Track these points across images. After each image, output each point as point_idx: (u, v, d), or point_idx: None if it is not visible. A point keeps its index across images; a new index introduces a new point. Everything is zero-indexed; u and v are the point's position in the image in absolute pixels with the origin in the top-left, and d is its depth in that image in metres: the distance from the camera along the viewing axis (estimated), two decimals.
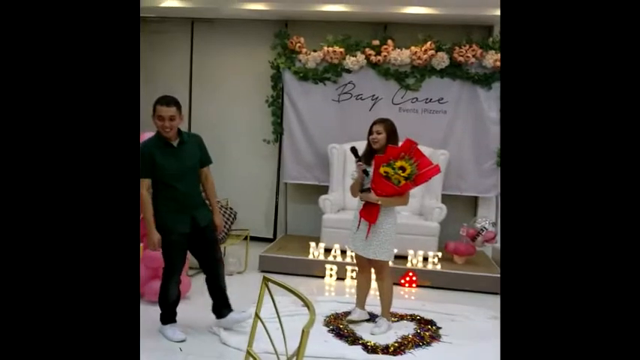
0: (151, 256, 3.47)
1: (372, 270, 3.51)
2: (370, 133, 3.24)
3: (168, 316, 3.16)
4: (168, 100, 2.92)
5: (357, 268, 4.38)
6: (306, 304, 1.43)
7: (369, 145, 3.27)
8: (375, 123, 3.26)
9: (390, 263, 3.43)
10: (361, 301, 3.52)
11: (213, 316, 3.27)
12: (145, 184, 2.94)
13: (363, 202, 3.25)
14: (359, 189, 3.26)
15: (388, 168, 3.08)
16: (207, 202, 3.20)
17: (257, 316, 1.72)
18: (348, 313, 3.63)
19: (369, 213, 3.21)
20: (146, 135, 3.54)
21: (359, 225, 3.29)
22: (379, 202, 3.16)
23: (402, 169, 3.07)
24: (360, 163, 3.22)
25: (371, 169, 3.17)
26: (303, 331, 1.28)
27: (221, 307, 3.24)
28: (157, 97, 2.96)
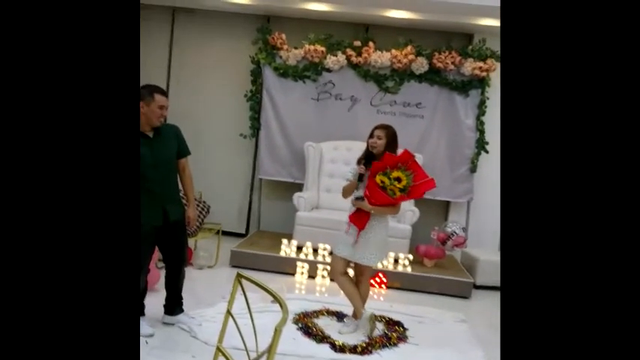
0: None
1: (351, 271, 3.50)
2: (371, 136, 3.23)
3: None
4: (164, 90, 2.98)
5: (328, 268, 4.43)
6: (280, 302, 1.44)
7: (367, 147, 3.25)
8: (376, 127, 3.23)
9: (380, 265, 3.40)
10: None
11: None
12: None
13: (353, 206, 3.23)
14: (351, 192, 3.26)
15: (384, 177, 3.05)
16: (182, 195, 3.17)
17: (229, 312, 1.71)
18: (317, 312, 3.64)
19: (359, 219, 3.18)
20: None
21: (348, 229, 3.25)
22: (372, 211, 3.16)
23: (398, 179, 3.05)
24: (362, 166, 3.18)
25: (366, 175, 3.16)
26: (275, 329, 1.28)
27: (174, 304, 3.23)
28: (148, 85, 2.95)
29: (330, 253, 4.41)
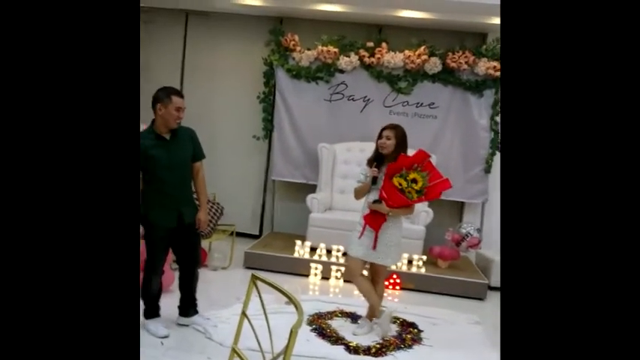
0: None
1: (365, 272, 3.49)
2: (379, 137, 3.21)
3: (151, 311, 3.14)
4: (181, 92, 3.02)
5: (342, 269, 4.43)
6: (295, 304, 1.44)
7: (377, 148, 3.24)
8: (385, 128, 3.21)
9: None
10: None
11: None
12: None
13: (368, 209, 3.21)
14: (364, 194, 3.25)
15: (401, 179, 3.04)
16: (195, 197, 3.19)
17: (244, 314, 1.71)
18: (331, 313, 3.64)
19: (375, 221, 3.17)
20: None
21: (363, 231, 3.23)
22: (389, 214, 3.16)
23: (414, 181, 3.03)
24: (375, 169, 3.17)
25: (381, 176, 3.15)
26: (291, 331, 1.28)
27: (188, 306, 3.26)
28: (165, 88, 2.99)
29: (344, 254, 4.41)
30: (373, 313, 3.38)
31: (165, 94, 2.92)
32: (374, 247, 3.19)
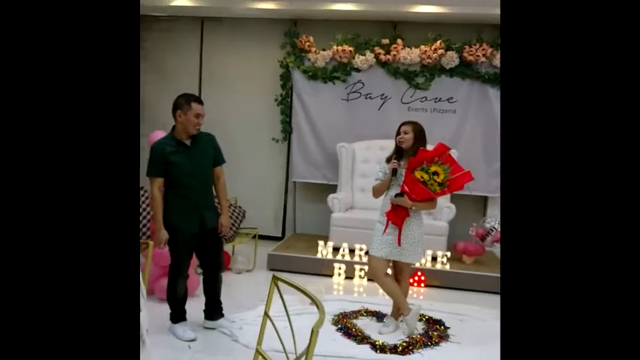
0: (161, 255, 3.50)
1: (390, 271, 3.47)
2: (398, 133, 3.22)
3: (177, 315, 3.18)
4: (200, 99, 3.04)
5: (366, 268, 4.41)
6: (316, 303, 1.44)
7: (396, 146, 3.24)
8: (403, 124, 3.23)
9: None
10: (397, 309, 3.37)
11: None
12: (157, 183, 2.98)
13: (390, 205, 3.19)
14: (383, 191, 3.24)
15: (423, 173, 3.03)
16: (216, 202, 3.22)
17: (266, 314, 1.72)
18: (356, 313, 3.63)
19: (398, 216, 3.15)
20: (157, 134, 3.56)
21: (386, 228, 3.21)
22: (413, 207, 3.14)
23: (436, 174, 3.03)
24: (395, 161, 3.17)
25: (401, 171, 3.14)
26: (312, 330, 1.28)
27: (214, 310, 3.28)
28: (185, 95, 3.02)
29: (366, 253, 4.39)
30: (399, 312, 3.36)
31: (184, 101, 2.96)
32: (399, 244, 3.17)
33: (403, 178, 3.11)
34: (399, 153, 3.22)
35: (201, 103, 3.01)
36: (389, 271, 3.47)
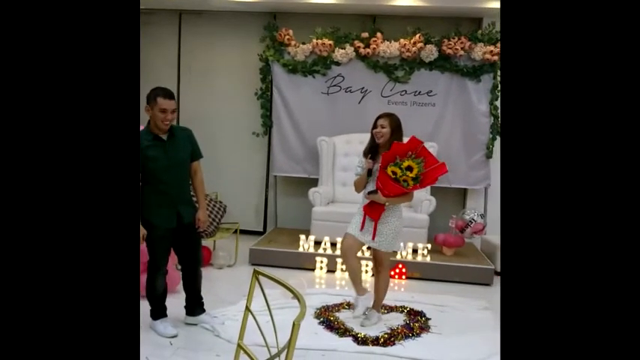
0: (140, 251, 3.46)
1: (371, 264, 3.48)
2: (374, 126, 3.20)
3: (158, 311, 3.15)
4: (169, 93, 2.93)
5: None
6: (297, 296, 1.44)
7: (372, 138, 3.24)
8: (380, 117, 3.21)
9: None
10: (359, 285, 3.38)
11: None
12: None
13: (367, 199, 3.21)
14: (364, 185, 3.24)
15: (396, 168, 3.02)
16: (193, 197, 3.19)
17: (248, 309, 1.72)
18: (338, 306, 3.64)
19: (374, 211, 3.17)
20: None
21: (364, 221, 3.22)
22: (387, 203, 3.15)
23: (409, 168, 3.01)
24: (370, 161, 3.16)
25: (376, 167, 3.14)
26: (294, 324, 1.28)
27: (195, 305, 3.26)
28: (155, 89, 2.94)
29: None
30: (380, 303, 3.39)
31: (152, 96, 2.90)
32: (373, 238, 3.19)
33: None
34: (374, 148, 3.21)
35: (169, 97, 2.90)
36: (369, 263, 3.50)
